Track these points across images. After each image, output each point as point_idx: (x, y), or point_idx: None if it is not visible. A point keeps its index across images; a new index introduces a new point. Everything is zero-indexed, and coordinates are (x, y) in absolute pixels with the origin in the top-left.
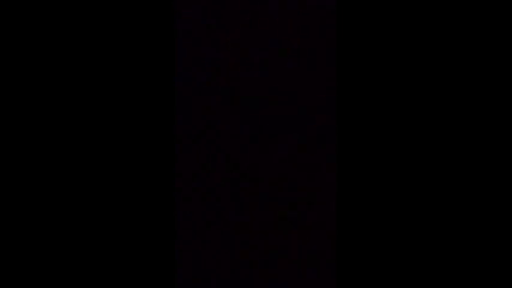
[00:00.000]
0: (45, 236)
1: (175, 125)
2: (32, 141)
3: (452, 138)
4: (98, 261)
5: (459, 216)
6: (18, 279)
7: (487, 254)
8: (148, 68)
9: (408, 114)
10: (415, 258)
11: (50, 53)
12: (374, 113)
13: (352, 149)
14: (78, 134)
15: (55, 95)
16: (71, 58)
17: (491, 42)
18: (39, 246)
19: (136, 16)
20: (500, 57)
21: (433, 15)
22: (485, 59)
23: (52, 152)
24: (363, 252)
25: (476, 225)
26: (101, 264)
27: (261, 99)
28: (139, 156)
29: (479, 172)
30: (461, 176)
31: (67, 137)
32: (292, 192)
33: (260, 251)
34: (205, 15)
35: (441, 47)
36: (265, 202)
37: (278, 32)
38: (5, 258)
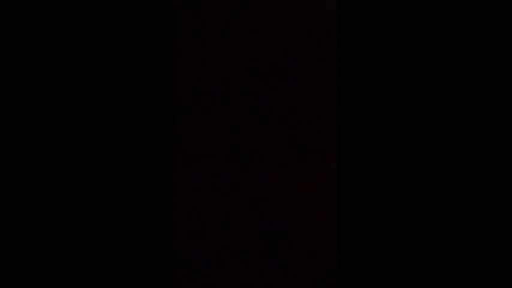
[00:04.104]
0: (43, 235)
1: (174, 125)
2: (31, 141)
3: (452, 138)
4: (97, 260)
5: (459, 216)
6: (16, 278)
7: (487, 254)
8: (147, 68)
9: (408, 114)
10: (415, 258)
11: (48, 51)
12: (374, 113)
13: (353, 150)
14: (75, 132)
15: (55, 94)
16: (69, 58)
17: (491, 42)
18: (36, 245)
19: (136, 15)
20: (500, 57)
21: (433, 15)
22: (485, 58)
23: (53, 152)
24: (363, 252)
25: (476, 225)
26: (100, 263)
27: (260, 98)
28: (138, 156)
29: (480, 172)
30: (461, 176)
31: (66, 135)
32: (292, 192)
33: (259, 252)
34: (204, 14)
35: (441, 47)
36: (265, 202)
37: (278, 32)
38: (2, 256)
